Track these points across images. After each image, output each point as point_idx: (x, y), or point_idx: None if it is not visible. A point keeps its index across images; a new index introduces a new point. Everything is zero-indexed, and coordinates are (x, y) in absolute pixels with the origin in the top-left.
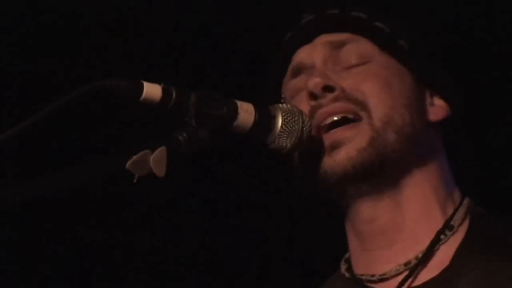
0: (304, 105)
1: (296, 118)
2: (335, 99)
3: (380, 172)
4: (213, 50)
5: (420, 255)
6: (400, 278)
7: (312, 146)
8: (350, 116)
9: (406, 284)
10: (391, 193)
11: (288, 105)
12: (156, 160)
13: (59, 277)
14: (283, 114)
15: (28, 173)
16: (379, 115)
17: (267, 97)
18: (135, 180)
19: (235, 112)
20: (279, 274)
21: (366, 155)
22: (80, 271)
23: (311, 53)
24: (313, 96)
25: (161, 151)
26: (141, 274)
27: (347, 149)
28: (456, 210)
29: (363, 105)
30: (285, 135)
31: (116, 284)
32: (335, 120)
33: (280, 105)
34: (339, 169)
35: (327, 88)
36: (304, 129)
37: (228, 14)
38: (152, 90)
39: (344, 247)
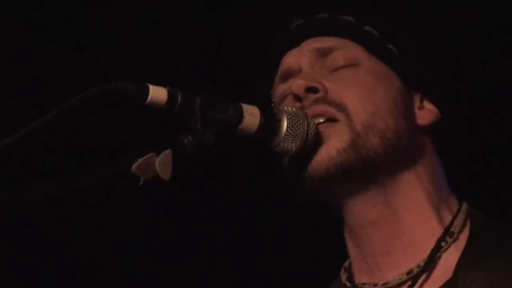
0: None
1: (301, 121)
2: (315, 102)
3: (365, 174)
4: (217, 53)
5: (421, 263)
6: None
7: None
8: (328, 118)
9: None
10: (383, 199)
11: (293, 109)
12: (161, 163)
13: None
14: (289, 117)
15: (34, 177)
16: (359, 120)
17: (256, 100)
18: (140, 183)
19: (240, 115)
20: (280, 278)
21: (346, 156)
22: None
23: (298, 58)
24: (297, 98)
25: (166, 155)
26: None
27: (327, 148)
28: (455, 216)
29: (342, 108)
30: (290, 138)
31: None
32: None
33: (286, 108)
34: (321, 169)
35: (310, 89)
36: (309, 132)
37: (229, 17)
38: (157, 93)
39: (343, 252)
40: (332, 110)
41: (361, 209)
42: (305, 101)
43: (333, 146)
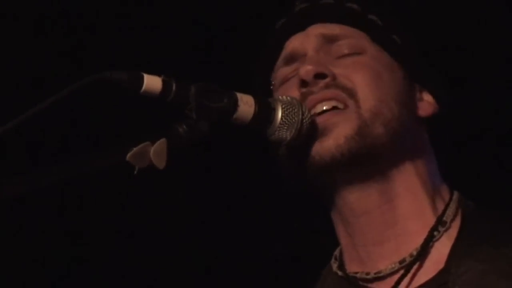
0: (294, 92)
1: (296, 110)
2: (326, 86)
3: (368, 162)
4: (211, 42)
5: (414, 253)
6: (395, 277)
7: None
8: (340, 105)
9: (402, 284)
10: (380, 188)
11: (288, 97)
12: (156, 152)
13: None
14: (283, 106)
15: (29, 165)
16: (368, 106)
17: (255, 82)
18: (135, 172)
19: (235, 104)
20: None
21: (354, 143)
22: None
23: (304, 42)
24: (304, 83)
25: (161, 143)
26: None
27: (335, 135)
28: (447, 205)
29: (352, 94)
30: (285, 127)
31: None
32: (324, 110)
33: (280, 97)
34: (327, 155)
35: (319, 75)
36: (304, 120)
37: (224, 5)
38: (152, 82)
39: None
40: (343, 95)
41: (357, 197)
42: (313, 86)
43: (342, 134)
